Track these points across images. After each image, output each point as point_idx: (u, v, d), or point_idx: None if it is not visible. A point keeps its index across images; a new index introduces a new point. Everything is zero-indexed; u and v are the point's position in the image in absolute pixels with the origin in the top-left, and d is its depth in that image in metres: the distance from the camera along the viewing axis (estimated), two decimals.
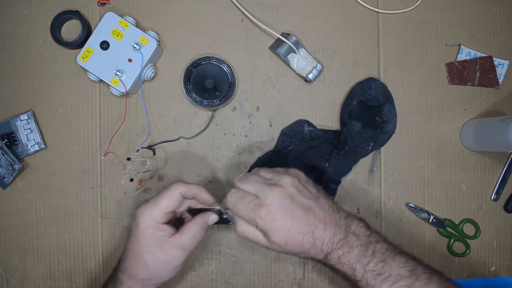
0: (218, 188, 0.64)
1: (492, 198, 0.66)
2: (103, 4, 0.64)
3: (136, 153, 0.61)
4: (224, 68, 0.63)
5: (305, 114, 0.65)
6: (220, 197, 0.55)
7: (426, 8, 0.66)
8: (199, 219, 0.52)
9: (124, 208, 0.64)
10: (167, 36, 0.65)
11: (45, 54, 0.64)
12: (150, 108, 0.64)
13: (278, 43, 0.63)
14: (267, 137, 0.65)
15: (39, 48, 0.64)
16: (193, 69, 0.62)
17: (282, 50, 0.62)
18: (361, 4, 0.66)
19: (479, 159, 0.66)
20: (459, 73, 0.66)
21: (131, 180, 0.62)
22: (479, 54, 0.66)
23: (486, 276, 0.66)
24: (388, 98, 0.64)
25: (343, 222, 0.49)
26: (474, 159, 0.66)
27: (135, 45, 0.60)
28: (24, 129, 0.63)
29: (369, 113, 0.63)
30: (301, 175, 0.51)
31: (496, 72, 0.66)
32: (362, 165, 0.65)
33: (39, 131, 0.63)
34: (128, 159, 0.61)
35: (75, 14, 0.62)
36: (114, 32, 0.60)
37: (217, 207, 0.53)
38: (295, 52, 0.62)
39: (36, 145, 0.63)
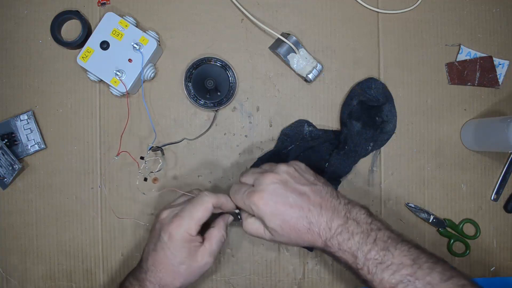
0: (218, 188, 0.64)
1: (492, 198, 0.66)
2: (103, 4, 0.64)
3: (148, 152, 0.61)
4: (225, 69, 0.63)
5: (305, 114, 0.65)
6: None
7: (426, 8, 0.66)
8: (222, 223, 0.54)
9: (124, 208, 0.64)
10: (167, 36, 0.65)
11: (45, 54, 0.64)
12: (150, 108, 0.64)
13: (278, 43, 0.63)
14: (267, 137, 0.65)
15: (39, 48, 0.64)
16: (193, 70, 0.62)
17: (282, 50, 0.62)
18: (361, 4, 0.66)
19: (479, 159, 0.66)
20: (459, 73, 0.66)
21: (145, 179, 0.62)
22: (479, 54, 0.66)
23: (486, 276, 0.66)
24: (388, 98, 0.64)
25: (343, 208, 0.49)
26: (474, 159, 0.66)
27: (135, 45, 0.60)
28: (24, 129, 0.63)
29: (369, 113, 0.64)
30: (301, 165, 0.52)
31: (496, 72, 0.66)
32: (362, 165, 0.65)
33: (39, 131, 0.63)
34: (142, 158, 0.61)
35: (75, 14, 0.62)
36: (114, 32, 0.60)
37: (237, 211, 0.54)
38: (295, 52, 0.62)
39: (36, 145, 0.63)
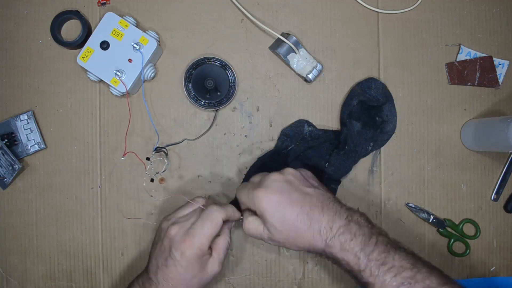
0: (218, 188, 0.64)
1: (492, 198, 0.66)
2: (103, 4, 0.64)
3: (153, 153, 0.61)
4: (225, 69, 0.63)
5: (305, 114, 0.65)
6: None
7: (426, 8, 0.66)
8: (227, 231, 0.55)
9: (126, 208, 0.64)
10: (167, 36, 0.65)
11: (45, 54, 0.64)
12: (150, 108, 0.64)
13: (278, 43, 0.63)
14: (267, 137, 0.65)
15: (39, 48, 0.64)
16: (193, 70, 0.62)
17: (282, 50, 0.62)
18: (361, 4, 0.66)
19: (479, 159, 0.66)
20: (459, 73, 0.66)
21: (152, 180, 0.62)
22: (479, 54, 0.66)
23: (486, 276, 0.66)
24: (388, 98, 0.64)
25: (344, 211, 0.49)
26: (474, 159, 0.66)
27: (135, 45, 0.60)
28: (24, 129, 0.63)
29: (369, 113, 0.64)
30: (308, 172, 0.55)
31: (496, 72, 0.66)
32: (362, 165, 0.65)
33: (39, 131, 0.63)
34: (148, 159, 0.61)
35: (75, 14, 0.62)
36: (114, 32, 0.60)
37: (241, 217, 0.54)
38: (295, 52, 0.62)
39: (36, 145, 0.63)
